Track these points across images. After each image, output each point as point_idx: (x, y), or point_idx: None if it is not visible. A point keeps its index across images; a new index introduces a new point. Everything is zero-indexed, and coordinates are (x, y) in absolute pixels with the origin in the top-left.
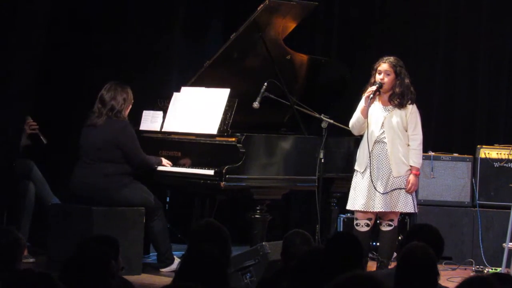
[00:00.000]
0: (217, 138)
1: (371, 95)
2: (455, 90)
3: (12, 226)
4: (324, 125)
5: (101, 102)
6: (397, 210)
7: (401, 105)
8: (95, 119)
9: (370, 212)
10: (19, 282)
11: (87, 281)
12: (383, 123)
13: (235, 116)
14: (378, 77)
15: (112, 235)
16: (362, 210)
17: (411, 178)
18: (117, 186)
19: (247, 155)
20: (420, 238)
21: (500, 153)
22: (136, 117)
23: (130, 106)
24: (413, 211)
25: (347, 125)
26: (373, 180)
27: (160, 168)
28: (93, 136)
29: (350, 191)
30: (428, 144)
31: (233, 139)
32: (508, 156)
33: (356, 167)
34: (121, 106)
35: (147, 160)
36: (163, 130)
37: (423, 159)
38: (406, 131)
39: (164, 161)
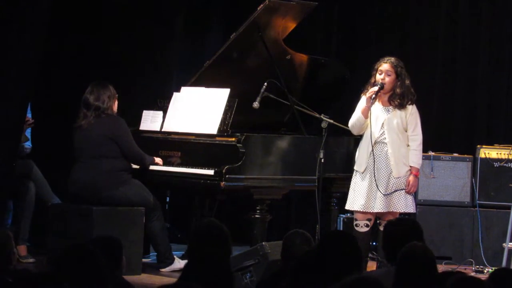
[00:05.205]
0: (217, 138)
1: (373, 96)
2: (455, 90)
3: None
4: (324, 125)
5: (86, 105)
6: (397, 211)
7: (401, 106)
8: (82, 121)
9: (370, 212)
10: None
11: (78, 281)
12: (383, 123)
13: (235, 116)
14: (379, 77)
15: (116, 236)
16: (362, 210)
17: (411, 178)
18: (116, 182)
19: (247, 155)
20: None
21: (500, 153)
22: (136, 117)
23: (116, 100)
24: (412, 211)
25: (347, 125)
26: (376, 181)
27: (159, 168)
28: (86, 135)
29: (349, 191)
30: (428, 144)
31: (233, 139)
32: (508, 156)
33: (355, 167)
34: (107, 104)
35: (142, 154)
36: (163, 130)
37: (423, 159)
38: (406, 131)
39: (157, 159)
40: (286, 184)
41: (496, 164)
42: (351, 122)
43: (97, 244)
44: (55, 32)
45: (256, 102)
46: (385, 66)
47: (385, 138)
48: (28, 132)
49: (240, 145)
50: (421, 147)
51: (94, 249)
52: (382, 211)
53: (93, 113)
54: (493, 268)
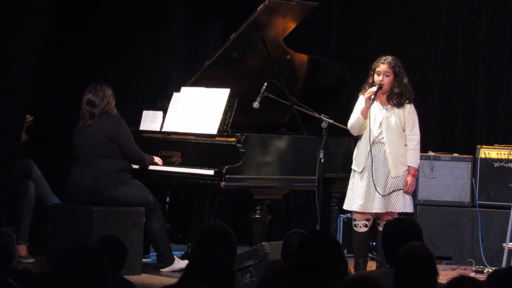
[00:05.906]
0: (217, 138)
1: (372, 96)
2: (455, 90)
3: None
4: (324, 125)
5: (91, 104)
6: (395, 211)
7: (399, 104)
8: (87, 120)
9: (368, 212)
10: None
11: (78, 281)
12: (381, 122)
13: (235, 116)
14: (377, 78)
15: (120, 238)
16: (360, 211)
17: (409, 178)
18: (116, 183)
19: (247, 155)
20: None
21: (500, 153)
22: (136, 117)
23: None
24: (411, 211)
25: (347, 125)
26: (374, 181)
27: (159, 168)
28: (88, 135)
29: (348, 191)
30: (428, 144)
31: (233, 139)
32: (508, 156)
33: (353, 167)
34: (111, 103)
35: (142, 154)
36: (163, 130)
37: (423, 159)
38: (404, 131)
39: (156, 159)
40: (286, 184)
41: (496, 164)
42: (350, 123)
43: (102, 244)
44: (54, 31)
45: (256, 102)
46: (382, 67)
47: (383, 138)
48: None
49: (240, 145)
50: (418, 147)
51: (95, 248)
52: (380, 211)
53: (100, 111)
54: (493, 268)
